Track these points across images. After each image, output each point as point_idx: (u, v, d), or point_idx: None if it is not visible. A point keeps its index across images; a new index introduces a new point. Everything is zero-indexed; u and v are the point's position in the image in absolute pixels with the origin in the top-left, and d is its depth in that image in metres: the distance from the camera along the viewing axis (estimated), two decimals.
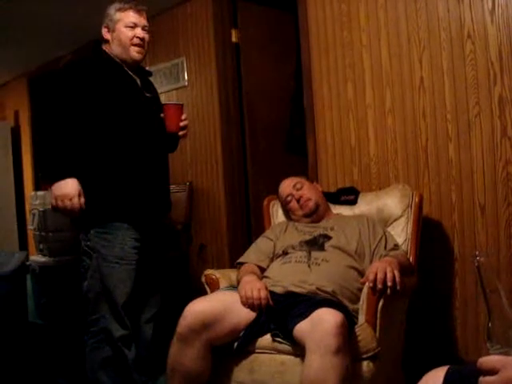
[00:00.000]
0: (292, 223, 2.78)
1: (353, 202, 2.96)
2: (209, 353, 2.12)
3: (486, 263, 1.06)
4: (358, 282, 2.33)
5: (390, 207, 2.81)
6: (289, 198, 2.79)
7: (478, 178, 2.72)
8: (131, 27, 2.67)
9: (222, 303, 2.19)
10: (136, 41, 2.65)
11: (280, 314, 2.17)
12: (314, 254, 2.45)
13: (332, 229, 2.61)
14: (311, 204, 2.75)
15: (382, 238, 2.55)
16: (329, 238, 2.54)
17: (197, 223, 4.45)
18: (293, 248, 2.53)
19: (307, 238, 2.57)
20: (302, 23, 3.57)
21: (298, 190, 2.78)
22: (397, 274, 2.16)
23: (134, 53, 2.67)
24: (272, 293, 2.28)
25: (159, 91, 4.73)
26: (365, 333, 2.11)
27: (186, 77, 4.51)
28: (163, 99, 4.76)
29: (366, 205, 2.93)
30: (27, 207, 6.97)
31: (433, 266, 2.90)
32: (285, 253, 2.54)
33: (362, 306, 2.22)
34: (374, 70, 3.16)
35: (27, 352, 3.61)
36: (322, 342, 1.88)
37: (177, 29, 4.58)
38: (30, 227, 4.89)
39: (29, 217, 6.59)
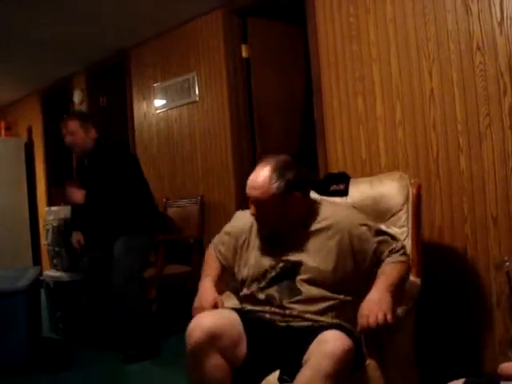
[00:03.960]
0: (255, 228, 2.33)
1: (343, 193, 2.68)
2: (225, 363, 2.09)
3: None
4: (351, 309, 2.12)
5: (388, 199, 2.57)
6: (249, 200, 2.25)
7: (490, 190, 2.72)
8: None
9: (227, 316, 2.17)
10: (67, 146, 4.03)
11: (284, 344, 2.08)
12: (287, 303, 2.14)
13: (302, 250, 2.20)
14: (268, 226, 2.27)
15: (374, 250, 2.19)
16: (299, 265, 2.18)
17: (209, 236, 4.45)
18: (258, 285, 2.22)
19: (273, 273, 2.20)
20: (311, 37, 3.61)
21: (254, 204, 2.20)
22: (389, 315, 1.96)
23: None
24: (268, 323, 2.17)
25: (170, 107, 4.82)
26: (374, 373, 2.04)
27: (196, 92, 4.56)
28: (174, 114, 4.83)
29: (358, 195, 2.65)
30: (41, 222, 7.03)
31: (446, 278, 2.90)
32: (251, 292, 2.25)
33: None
34: (384, 82, 3.18)
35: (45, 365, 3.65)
36: (320, 363, 1.83)
37: (188, 44, 4.63)
38: (45, 242, 4.94)
39: (42, 232, 6.66)
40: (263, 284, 2.20)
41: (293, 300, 2.14)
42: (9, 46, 4.99)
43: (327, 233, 2.20)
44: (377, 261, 2.19)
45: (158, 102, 5.01)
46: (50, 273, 4.66)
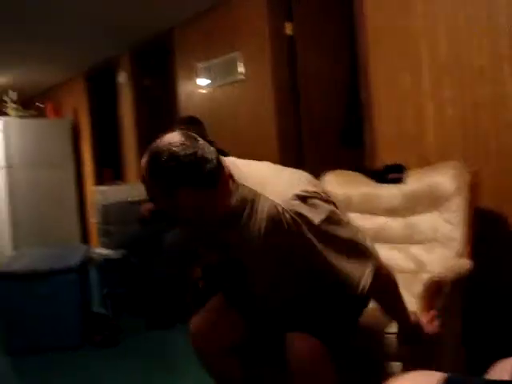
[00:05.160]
0: None
1: (401, 180, 2.81)
2: (232, 354, 2.12)
3: None
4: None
5: (443, 185, 2.62)
6: None
7: None
8: None
9: (214, 309, 2.16)
10: None
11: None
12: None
13: (237, 247, 1.87)
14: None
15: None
16: (243, 268, 1.95)
17: None
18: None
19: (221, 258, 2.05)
20: (357, 13, 3.56)
21: None
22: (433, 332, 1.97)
23: None
24: None
25: (214, 86, 4.85)
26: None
27: (241, 71, 4.56)
28: (218, 94, 4.85)
29: (415, 182, 2.76)
30: (88, 201, 7.20)
31: (497, 259, 2.86)
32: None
33: (421, 303, 2.16)
34: (432, 58, 3.12)
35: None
36: (297, 369, 1.83)
37: (231, 23, 4.63)
38: (94, 221, 5.06)
39: (91, 210, 6.83)
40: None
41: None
42: (55, 29, 5.07)
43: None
44: None
45: (202, 82, 5.03)
46: (98, 250, 4.78)
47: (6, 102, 7.03)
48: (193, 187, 1.64)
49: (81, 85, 7.16)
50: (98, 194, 4.96)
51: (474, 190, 2.59)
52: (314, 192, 1.72)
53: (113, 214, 4.62)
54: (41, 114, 7.34)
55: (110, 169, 6.39)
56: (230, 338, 2.10)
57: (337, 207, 1.81)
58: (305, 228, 1.66)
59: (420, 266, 2.65)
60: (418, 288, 2.33)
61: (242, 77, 4.56)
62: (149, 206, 4.27)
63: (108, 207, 4.64)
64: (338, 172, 3.15)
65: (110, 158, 6.78)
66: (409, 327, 1.93)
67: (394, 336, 2.10)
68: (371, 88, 3.47)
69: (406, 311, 1.92)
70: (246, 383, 2.18)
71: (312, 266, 1.80)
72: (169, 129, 4.43)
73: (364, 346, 2.19)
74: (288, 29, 4.16)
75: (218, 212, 1.75)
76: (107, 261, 4.60)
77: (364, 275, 1.74)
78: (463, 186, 2.58)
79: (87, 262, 4.22)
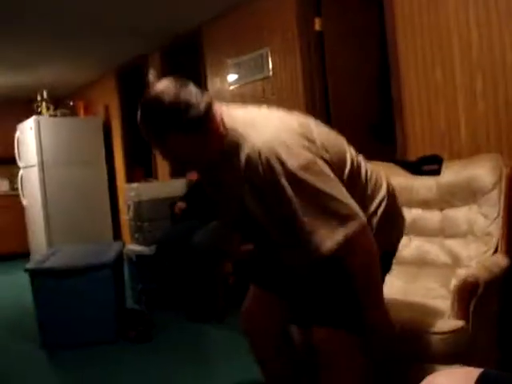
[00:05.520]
0: None
1: (436, 172, 2.79)
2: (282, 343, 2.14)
3: None
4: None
5: (481, 178, 2.61)
6: None
7: None
8: None
9: (257, 295, 2.18)
10: None
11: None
12: None
13: (237, 191, 1.81)
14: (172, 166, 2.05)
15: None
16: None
17: None
18: None
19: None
20: (387, 7, 3.54)
21: None
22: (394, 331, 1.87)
23: None
24: None
25: (244, 82, 4.86)
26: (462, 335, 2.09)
27: (270, 67, 4.57)
28: (248, 90, 4.87)
29: (451, 175, 2.75)
30: (120, 198, 7.28)
31: None
32: None
33: (453, 305, 2.17)
34: (464, 52, 3.10)
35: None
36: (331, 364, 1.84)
37: (260, 19, 4.63)
38: (126, 217, 5.12)
39: (122, 207, 6.91)
40: None
41: None
42: (87, 28, 5.14)
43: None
44: None
45: (232, 78, 5.06)
46: (131, 247, 4.84)
47: (38, 101, 7.14)
48: (178, 132, 1.69)
49: (112, 83, 7.24)
50: (131, 191, 5.01)
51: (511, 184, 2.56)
52: (300, 139, 1.69)
53: (145, 211, 4.68)
54: (72, 112, 7.43)
55: (141, 167, 6.46)
56: (276, 322, 2.11)
57: (329, 160, 1.72)
58: (280, 173, 1.62)
59: (456, 260, 2.63)
60: (454, 285, 2.32)
61: (271, 73, 4.56)
62: (181, 205, 4.34)
63: (140, 204, 4.70)
64: (372, 164, 3.13)
65: (141, 155, 6.85)
66: (376, 317, 1.80)
67: (436, 336, 2.09)
68: (402, 83, 3.46)
69: (377, 298, 1.79)
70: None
71: (285, 218, 1.70)
72: None
73: (402, 347, 2.18)
74: (317, 24, 4.15)
75: (209, 156, 1.78)
76: (139, 257, 4.67)
77: (330, 238, 1.63)
78: (502, 179, 2.55)
79: (121, 258, 4.29)
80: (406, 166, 2.84)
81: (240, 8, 4.81)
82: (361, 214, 1.67)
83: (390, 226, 1.92)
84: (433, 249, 2.75)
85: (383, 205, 1.87)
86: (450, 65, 3.18)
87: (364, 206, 1.79)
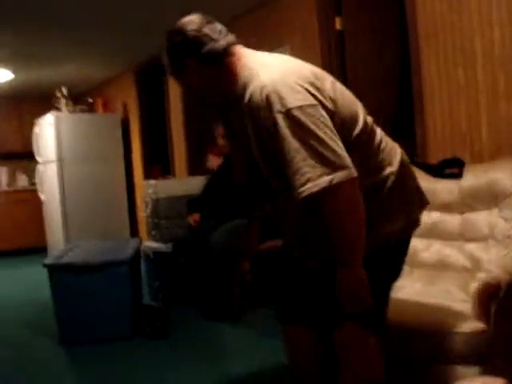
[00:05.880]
0: None
1: (458, 176, 2.78)
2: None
3: None
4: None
5: (502, 182, 2.58)
6: None
7: None
8: None
9: (292, 342, 2.12)
10: None
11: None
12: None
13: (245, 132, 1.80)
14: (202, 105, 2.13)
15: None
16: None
17: None
18: None
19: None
20: (408, 7, 3.52)
21: None
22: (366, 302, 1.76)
23: None
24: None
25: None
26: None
27: None
28: None
29: (473, 178, 2.73)
30: (137, 195, 7.32)
31: None
32: None
33: (474, 307, 2.15)
34: (486, 52, 3.07)
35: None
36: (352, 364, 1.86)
37: (280, 18, 4.62)
38: (144, 214, 5.14)
39: (140, 204, 6.94)
40: None
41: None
42: (107, 26, 5.17)
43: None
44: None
45: None
46: (148, 243, 4.86)
47: (57, 97, 7.19)
48: (196, 61, 1.78)
49: (130, 80, 7.27)
50: (149, 188, 5.03)
51: None
52: (306, 84, 1.66)
53: (163, 208, 4.70)
54: (91, 108, 7.48)
55: (159, 164, 6.49)
56: (319, 361, 2.06)
57: (334, 113, 1.69)
58: (277, 109, 1.61)
59: (476, 264, 2.61)
60: (475, 287, 2.31)
61: None
62: (196, 216, 4.34)
63: (158, 201, 4.72)
64: None
65: (159, 152, 6.88)
66: (345, 275, 1.71)
67: (457, 337, 2.08)
68: (423, 82, 3.44)
69: (350, 256, 1.70)
70: None
71: (276, 157, 1.67)
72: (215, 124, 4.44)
73: (421, 347, 2.17)
74: (338, 23, 4.14)
75: (223, 92, 1.82)
76: (157, 254, 4.68)
77: (314, 181, 1.59)
78: None
79: (138, 255, 4.30)
80: (427, 169, 2.84)
81: (261, 6, 4.80)
82: (352, 167, 1.62)
83: (397, 205, 1.85)
84: (453, 252, 2.73)
85: (391, 178, 1.83)
86: (472, 64, 3.15)
87: (370, 173, 1.78)
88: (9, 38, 5.33)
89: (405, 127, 3.81)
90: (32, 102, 8.57)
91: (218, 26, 1.84)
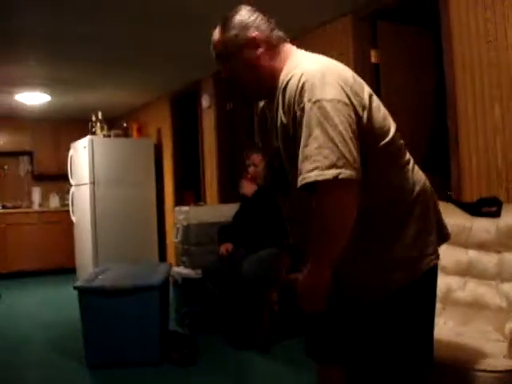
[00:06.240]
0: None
1: (496, 214, 2.76)
2: None
3: None
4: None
5: None
6: None
7: None
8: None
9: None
10: None
11: None
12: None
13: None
14: (241, 93, 2.00)
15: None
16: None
17: None
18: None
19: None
20: (445, 41, 3.53)
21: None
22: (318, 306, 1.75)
23: None
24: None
25: None
26: None
27: None
28: None
29: (511, 218, 2.71)
30: (167, 220, 7.36)
31: None
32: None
33: (510, 345, 2.12)
34: None
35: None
36: None
37: (316, 51, 4.62)
38: (175, 240, 5.17)
39: (170, 230, 6.98)
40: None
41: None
42: (143, 52, 5.27)
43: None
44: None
45: None
46: (178, 269, 4.88)
47: (93, 121, 7.32)
48: (240, 52, 1.80)
49: (165, 106, 7.37)
50: (180, 214, 5.07)
51: None
52: (343, 84, 1.67)
53: (193, 235, 4.73)
54: (125, 133, 7.58)
55: (191, 191, 6.54)
56: None
57: (363, 119, 1.69)
58: (308, 97, 1.62)
59: None
60: (510, 327, 2.27)
61: None
62: (228, 246, 4.35)
63: (189, 227, 4.75)
64: None
65: (190, 179, 6.93)
66: (310, 271, 1.69)
67: (491, 375, 2.05)
68: (459, 117, 3.42)
69: (323, 256, 1.67)
70: None
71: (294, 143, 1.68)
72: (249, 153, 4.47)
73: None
74: (373, 57, 4.16)
75: (266, 85, 1.82)
76: (186, 280, 4.70)
77: (321, 169, 1.58)
78: None
79: (168, 280, 4.32)
80: (464, 206, 2.83)
81: (295, 40, 4.80)
82: (360, 172, 1.62)
83: (414, 231, 1.79)
84: (488, 292, 2.69)
85: (412, 201, 1.80)
86: (508, 101, 3.13)
87: (391, 188, 1.77)
88: (46, 62, 5.46)
89: (438, 162, 3.79)
90: (68, 125, 8.74)
91: (271, 20, 1.87)
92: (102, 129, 7.30)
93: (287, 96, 1.69)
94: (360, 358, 1.87)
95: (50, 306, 6.11)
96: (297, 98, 1.65)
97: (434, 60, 4.23)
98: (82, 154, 7.20)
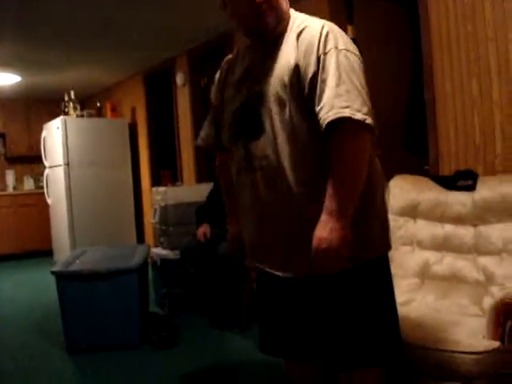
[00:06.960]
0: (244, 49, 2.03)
1: (471, 188, 2.75)
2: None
3: None
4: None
5: None
6: None
7: None
8: None
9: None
10: None
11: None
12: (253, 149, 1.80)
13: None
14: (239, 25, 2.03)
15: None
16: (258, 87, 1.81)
17: None
18: (233, 143, 1.90)
19: (237, 104, 1.88)
20: (422, 17, 3.50)
21: None
22: (342, 253, 1.60)
23: None
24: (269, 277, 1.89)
25: None
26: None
27: None
28: None
29: (487, 191, 2.68)
30: (144, 200, 7.30)
31: None
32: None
33: (489, 325, 2.12)
34: (502, 64, 3.04)
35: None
36: None
37: None
38: (152, 221, 5.12)
39: (147, 210, 6.92)
40: (233, 136, 1.89)
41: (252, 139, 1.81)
42: (115, 31, 5.16)
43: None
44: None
45: None
46: (156, 250, 4.84)
47: (65, 101, 7.18)
48: None
49: (139, 85, 7.25)
50: (157, 195, 5.01)
51: None
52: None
53: (171, 215, 4.68)
54: (99, 113, 7.47)
55: (168, 170, 6.47)
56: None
57: None
58: (334, 44, 1.67)
59: (489, 278, 2.57)
60: (488, 302, 2.28)
61: None
62: (204, 229, 4.30)
63: (167, 208, 4.70)
64: (406, 176, 3.11)
65: (167, 159, 6.85)
66: (335, 230, 1.59)
67: (471, 356, 2.04)
68: (437, 94, 3.41)
69: (346, 206, 1.61)
70: None
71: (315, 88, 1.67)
72: None
73: (433, 364, 2.14)
74: (350, 32, 4.12)
75: (266, 24, 1.80)
76: (164, 261, 4.66)
77: (353, 109, 1.60)
78: None
79: (147, 262, 4.28)
80: (440, 180, 2.82)
81: None
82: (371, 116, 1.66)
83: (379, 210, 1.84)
84: (466, 265, 2.69)
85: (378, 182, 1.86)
86: (486, 77, 3.12)
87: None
88: (15, 42, 5.31)
89: (418, 142, 3.78)
90: (40, 105, 8.58)
91: None
92: (74, 109, 7.17)
93: (306, 41, 1.71)
94: (332, 345, 1.83)
95: (28, 290, 6.03)
96: (321, 44, 1.68)
97: (411, 35, 4.20)
98: (55, 135, 7.07)
